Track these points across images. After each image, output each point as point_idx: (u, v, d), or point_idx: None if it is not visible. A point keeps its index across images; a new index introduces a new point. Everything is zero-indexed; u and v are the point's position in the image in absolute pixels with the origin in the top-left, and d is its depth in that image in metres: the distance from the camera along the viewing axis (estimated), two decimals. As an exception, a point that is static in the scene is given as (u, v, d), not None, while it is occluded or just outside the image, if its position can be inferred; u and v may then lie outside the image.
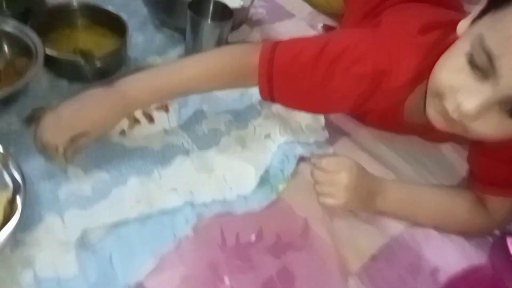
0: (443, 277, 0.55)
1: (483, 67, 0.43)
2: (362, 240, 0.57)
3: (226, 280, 0.49)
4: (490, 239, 0.61)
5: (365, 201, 0.57)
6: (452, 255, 0.58)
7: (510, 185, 0.59)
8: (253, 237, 0.54)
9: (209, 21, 0.73)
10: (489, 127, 0.46)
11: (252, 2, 0.86)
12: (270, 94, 0.60)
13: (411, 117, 0.61)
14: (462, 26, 0.48)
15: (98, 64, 0.66)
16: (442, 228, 0.61)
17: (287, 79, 0.58)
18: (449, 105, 0.47)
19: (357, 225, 0.59)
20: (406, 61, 0.54)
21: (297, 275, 0.52)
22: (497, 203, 0.60)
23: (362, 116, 0.70)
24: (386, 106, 0.59)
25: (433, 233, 0.60)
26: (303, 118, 0.70)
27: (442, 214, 0.61)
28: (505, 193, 0.60)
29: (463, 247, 0.59)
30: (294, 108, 0.65)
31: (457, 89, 0.46)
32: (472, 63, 0.44)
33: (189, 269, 0.49)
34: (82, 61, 0.64)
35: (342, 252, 0.55)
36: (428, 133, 0.64)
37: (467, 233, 0.60)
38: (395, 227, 0.60)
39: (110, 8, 0.73)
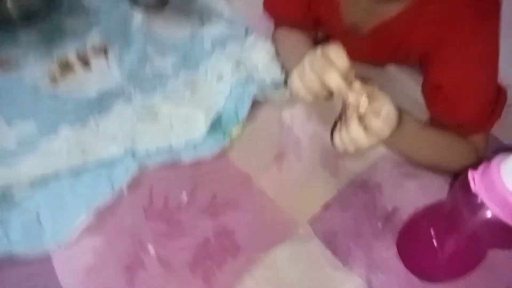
0: (403, 215, 0.53)
1: None
2: (314, 191, 0.54)
3: (151, 249, 0.45)
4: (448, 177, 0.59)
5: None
6: (412, 193, 0.55)
7: (472, 123, 0.57)
8: (184, 197, 0.49)
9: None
10: None
11: None
12: None
13: (347, 10, 0.59)
14: None
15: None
16: (434, 168, 0.58)
17: None
18: None
19: (307, 176, 0.55)
20: None
21: (238, 234, 0.48)
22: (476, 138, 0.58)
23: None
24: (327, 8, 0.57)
25: (393, 171, 0.57)
26: (260, 59, 0.64)
27: (441, 156, 0.57)
28: (472, 131, 0.58)
29: (422, 184, 0.56)
30: None
31: None
32: None
33: (105, 240, 0.45)
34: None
35: (290, 205, 0.51)
36: (364, 42, 0.61)
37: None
38: (352, 170, 0.56)
39: None
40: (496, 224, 0.38)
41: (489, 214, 0.38)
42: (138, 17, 0.66)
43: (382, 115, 0.43)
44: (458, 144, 0.58)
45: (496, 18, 0.55)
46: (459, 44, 0.55)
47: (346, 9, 0.60)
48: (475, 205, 0.39)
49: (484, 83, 0.57)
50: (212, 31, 0.67)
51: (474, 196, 0.39)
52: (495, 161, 0.38)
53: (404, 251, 0.50)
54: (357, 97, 0.43)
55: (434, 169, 0.58)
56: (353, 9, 0.59)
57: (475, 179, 0.39)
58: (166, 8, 0.70)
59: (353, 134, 0.43)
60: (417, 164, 0.59)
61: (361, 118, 0.43)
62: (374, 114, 0.42)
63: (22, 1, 0.60)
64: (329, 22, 0.64)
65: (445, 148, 0.57)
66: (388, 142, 0.52)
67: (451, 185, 0.56)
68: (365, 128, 0.43)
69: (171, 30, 0.66)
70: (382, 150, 0.59)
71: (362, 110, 0.42)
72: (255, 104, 0.60)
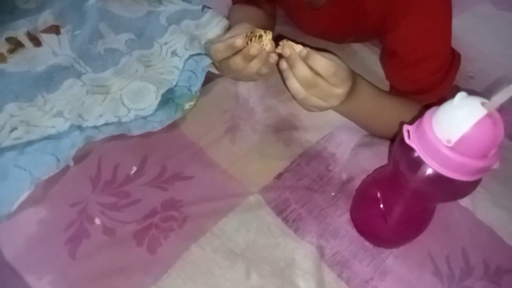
0: (358, 183, 0.53)
1: None
2: (266, 161, 0.53)
3: (96, 220, 0.44)
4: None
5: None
6: (367, 162, 0.54)
7: (428, 89, 0.57)
8: (133, 169, 0.49)
9: None
10: None
11: None
12: None
13: None
14: None
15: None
16: (390, 136, 0.57)
17: None
18: None
19: (261, 147, 0.54)
20: None
21: (186, 203, 0.47)
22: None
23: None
24: None
25: (348, 142, 0.57)
26: (215, 35, 0.64)
27: (397, 122, 0.56)
28: (429, 98, 0.58)
29: (377, 153, 0.56)
30: None
31: None
32: None
33: (50, 211, 0.44)
34: None
35: (242, 175, 0.51)
36: (322, 15, 0.61)
37: None
38: (306, 140, 0.56)
39: None
40: (434, 176, 0.38)
41: (426, 168, 0.38)
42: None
43: (323, 54, 0.44)
44: (414, 111, 0.58)
45: None
46: (410, 7, 0.54)
47: None
48: (413, 160, 0.39)
49: (438, 45, 0.56)
50: (169, 7, 0.67)
51: (411, 151, 0.39)
52: (428, 113, 0.38)
53: (356, 217, 0.50)
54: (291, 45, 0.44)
55: (390, 136, 0.58)
56: None
57: (409, 132, 0.39)
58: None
59: (300, 74, 0.44)
60: (373, 134, 0.59)
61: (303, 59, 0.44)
62: (314, 53, 0.43)
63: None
64: None
65: (401, 113, 0.56)
66: (347, 108, 0.51)
67: (391, 142, 0.56)
68: (311, 67, 0.43)
69: (127, 9, 0.66)
70: (337, 122, 0.59)
71: (299, 48, 0.43)
72: (211, 79, 0.59)
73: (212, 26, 0.64)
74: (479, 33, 0.85)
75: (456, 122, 0.36)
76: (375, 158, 0.56)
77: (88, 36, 0.59)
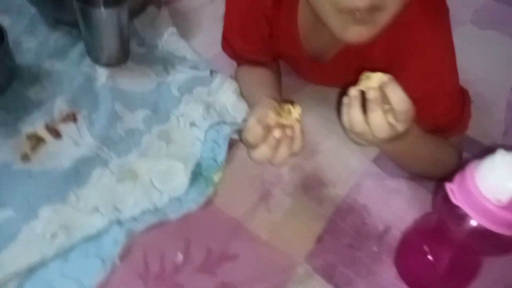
0: (396, 232, 0.53)
1: None
2: (304, 225, 0.53)
3: None
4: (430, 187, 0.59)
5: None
6: (399, 209, 0.56)
7: (448, 128, 0.58)
8: (180, 256, 0.48)
9: (101, 9, 0.64)
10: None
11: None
12: None
13: (308, 40, 0.60)
14: None
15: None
16: (428, 175, 0.58)
17: None
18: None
19: (296, 210, 0.55)
20: None
21: (236, 285, 0.47)
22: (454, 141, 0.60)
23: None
24: (284, 26, 0.59)
25: (376, 190, 0.58)
26: (227, 99, 0.64)
27: (434, 162, 0.58)
28: (451, 135, 0.59)
29: (407, 198, 0.57)
30: None
31: None
32: None
33: None
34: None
35: (285, 245, 0.51)
36: (329, 68, 0.62)
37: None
38: (336, 194, 0.57)
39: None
40: (484, 232, 0.39)
41: (474, 223, 0.39)
42: (102, 76, 0.66)
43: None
44: (449, 149, 0.59)
45: (447, 21, 0.57)
46: (417, 51, 0.56)
47: (306, 40, 0.61)
48: (460, 216, 0.40)
49: (448, 85, 0.58)
50: (178, 77, 0.67)
51: (457, 207, 0.40)
52: (468, 169, 0.39)
53: (404, 271, 0.50)
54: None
55: (426, 175, 0.59)
56: (315, 39, 0.60)
57: (453, 191, 0.40)
58: (128, 62, 0.70)
59: (376, 122, 0.42)
60: (409, 171, 0.59)
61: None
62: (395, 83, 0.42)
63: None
64: (290, 55, 0.65)
65: (439, 151, 0.57)
66: (396, 146, 0.51)
67: (434, 197, 0.57)
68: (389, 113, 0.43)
69: (137, 83, 0.66)
70: (360, 169, 0.60)
71: (379, 76, 0.42)
72: (232, 144, 0.60)
73: (224, 90, 0.65)
74: (467, 54, 0.86)
75: (503, 182, 0.37)
76: (406, 204, 0.57)
77: (106, 119, 0.59)
